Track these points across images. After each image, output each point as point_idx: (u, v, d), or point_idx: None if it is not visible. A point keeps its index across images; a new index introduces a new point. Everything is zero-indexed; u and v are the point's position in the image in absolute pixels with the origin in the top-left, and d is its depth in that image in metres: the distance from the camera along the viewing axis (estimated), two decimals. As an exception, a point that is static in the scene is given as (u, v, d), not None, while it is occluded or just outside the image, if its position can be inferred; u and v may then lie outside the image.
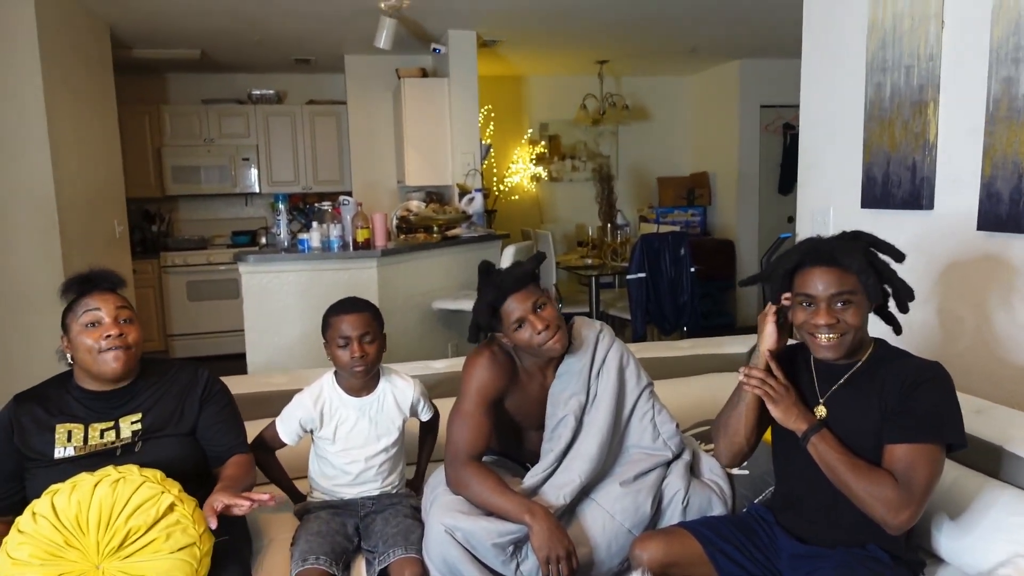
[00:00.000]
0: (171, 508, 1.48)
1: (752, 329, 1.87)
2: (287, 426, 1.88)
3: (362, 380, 1.88)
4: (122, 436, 1.67)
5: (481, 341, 1.83)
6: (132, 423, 1.69)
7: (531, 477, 1.78)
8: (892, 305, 1.57)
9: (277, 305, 3.63)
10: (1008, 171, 2.06)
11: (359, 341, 1.80)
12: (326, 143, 6.37)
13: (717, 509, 1.78)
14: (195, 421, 1.76)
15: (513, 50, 5.86)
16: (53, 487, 1.47)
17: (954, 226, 2.27)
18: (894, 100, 2.47)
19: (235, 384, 2.12)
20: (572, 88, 6.78)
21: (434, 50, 5.31)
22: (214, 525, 1.50)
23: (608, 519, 1.71)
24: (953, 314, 2.31)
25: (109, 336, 1.64)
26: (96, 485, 1.45)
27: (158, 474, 1.52)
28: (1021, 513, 1.52)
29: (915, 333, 2.43)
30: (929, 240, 2.37)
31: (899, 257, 1.56)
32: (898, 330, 1.62)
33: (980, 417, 1.78)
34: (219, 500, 1.51)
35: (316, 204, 5.50)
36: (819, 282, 1.48)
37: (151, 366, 1.79)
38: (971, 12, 2.18)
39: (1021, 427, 1.73)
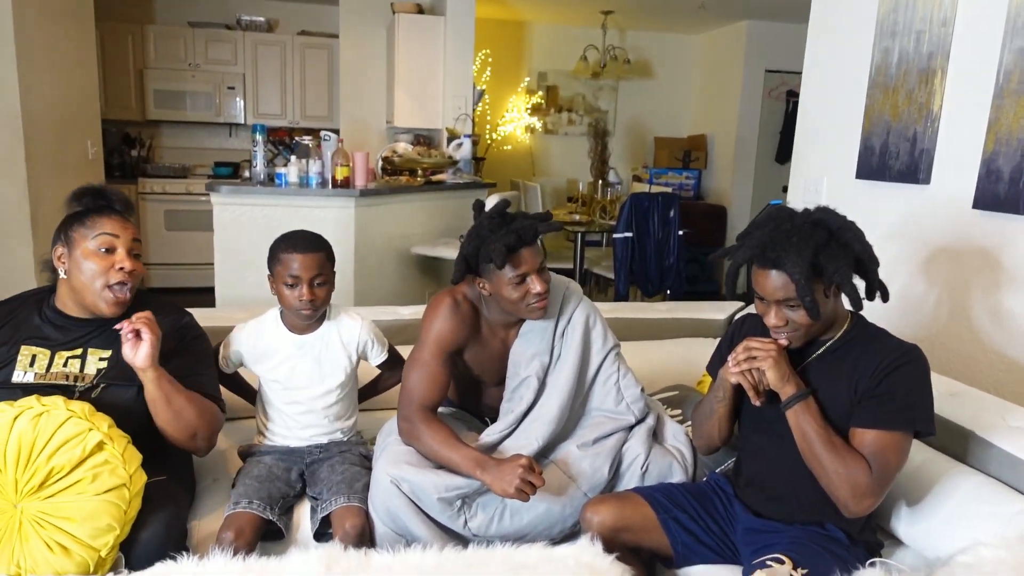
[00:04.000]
0: (100, 447, 1.40)
1: (736, 297, 1.81)
2: (224, 352, 1.81)
3: (309, 321, 1.78)
4: (86, 371, 1.55)
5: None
6: (100, 359, 1.57)
7: (488, 436, 1.71)
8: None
9: (248, 239, 3.50)
10: (1012, 148, 1.96)
11: (309, 284, 1.68)
12: (316, 77, 6.15)
13: (677, 476, 1.72)
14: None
15: (515, -8, 5.63)
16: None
17: (949, 203, 2.18)
18: (901, 67, 2.35)
19: (198, 316, 2.03)
20: (574, 38, 6.56)
21: (432, -15, 5.09)
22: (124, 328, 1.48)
23: (565, 481, 1.65)
24: (938, 293, 2.24)
25: (122, 269, 1.54)
26: (16, 418, 1.36)
27: (86, 407, 1.43)
28: (986, 500, 1.47)
29: (896, 309, 2.36)
30: (922, 216, 2.28)
31: (868, 250, 1.42)
32: (873, 297, 1.51)
33: (954, 400, 1.72)
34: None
35: (298, 138, 5.32)
36: (765, 285, 1.40)
37: (140, 303, 1.62)
38: (991, -25, 2.04)
39: (994, 412, 1.67)
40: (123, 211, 1.61)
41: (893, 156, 2.38)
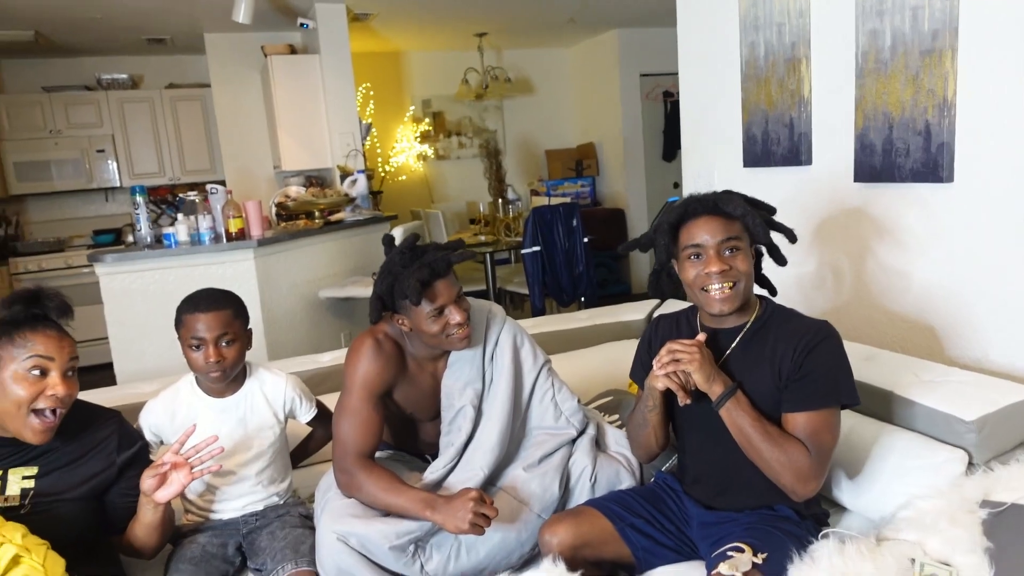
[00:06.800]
0: (16, 560, 1.25)
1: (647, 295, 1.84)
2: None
3: (222, 384, 1.68)
4: (8, 493, 1.38)
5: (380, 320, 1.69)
6: (24, 478, 1.40)
7: (431, 473, 1.66)
8: (765, 267, 1.59)
9: (143, 307, 3.30)
10: (879, 122, 2.10)
11: (215, 344, 1.59)
12: (192, 130, 5.90)
13: (626, 482, 1.73)
14: (109, 485, 1.50)
15: (387, 24, 5.61)
16: None
17: (832, 179, 2.31)
18: (768, 58, 2.49)
19: (97, 396, 1.87)
20: (453, 63, 6.60)
21: (301, 25, 5.00)
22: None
23: (516, 506, 1.62)
24: (833, 266, 2.36)
25: (53, 396, 1.35)
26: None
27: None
28: (917, 456, 1.55)
29: (798, 286, 2.48)
30: (807, 195, 2.40)
31: (770, 210, 1.58)
32: (773, 292, 1.63)
33: (870, 364, 1.81)
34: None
35: (182, 195, 5.09)
36: (705, 230, 1.45)
37: (69, 414, 1.44)
38: (836, -34, 2.20)
39: (908, 370, 1.77)
40: (61, 320, 1.42)
41: (775, 142, 2.50)
